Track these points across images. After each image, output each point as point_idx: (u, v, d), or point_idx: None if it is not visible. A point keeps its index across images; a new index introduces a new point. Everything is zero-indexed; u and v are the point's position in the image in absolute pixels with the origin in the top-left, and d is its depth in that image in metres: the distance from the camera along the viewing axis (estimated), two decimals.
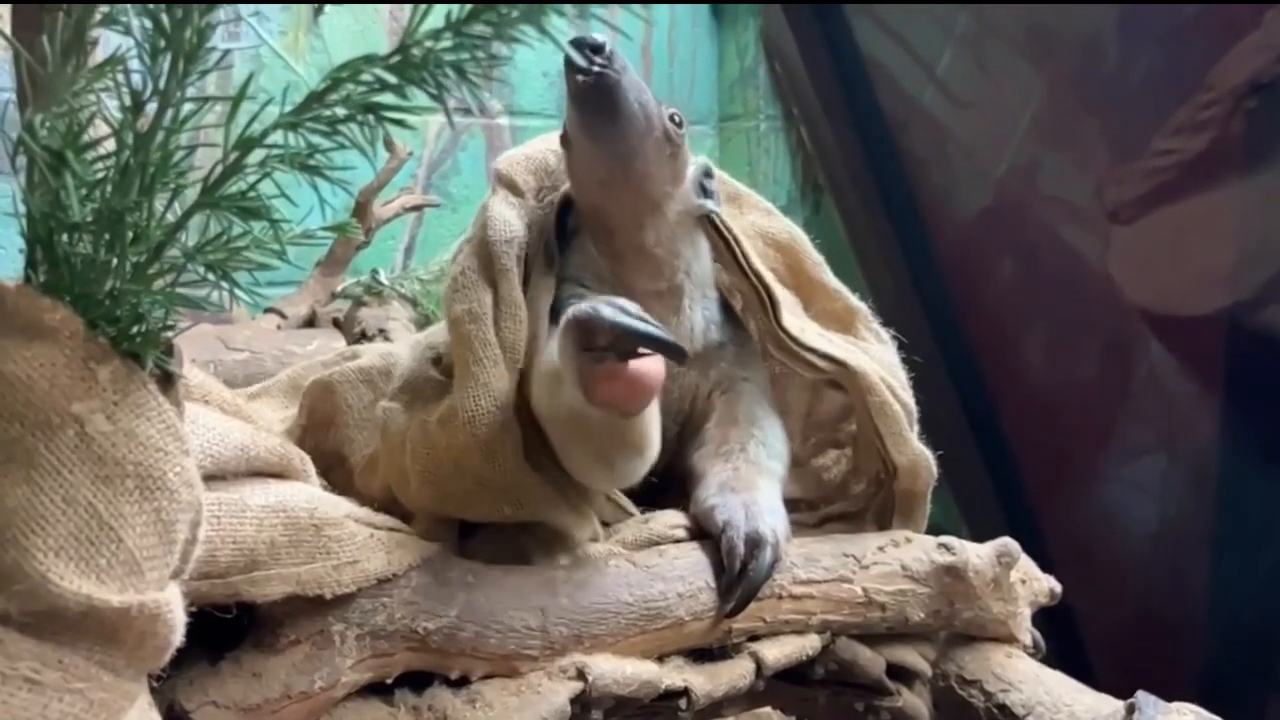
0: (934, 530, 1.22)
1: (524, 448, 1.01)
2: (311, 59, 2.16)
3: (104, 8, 0.62)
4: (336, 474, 1.06)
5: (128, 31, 0.61)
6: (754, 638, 1.08)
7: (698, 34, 2.74)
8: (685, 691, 1.01)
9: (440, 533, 1.03)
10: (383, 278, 2.06)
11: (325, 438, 1.10)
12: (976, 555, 1.13)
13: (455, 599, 0.96)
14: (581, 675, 0.96)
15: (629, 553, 1.07)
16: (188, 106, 0.61)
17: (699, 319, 1.17)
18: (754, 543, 1.05)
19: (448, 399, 1.03)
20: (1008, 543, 1.15)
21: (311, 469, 0.95)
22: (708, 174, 1.15)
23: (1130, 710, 1.00)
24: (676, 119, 1.08)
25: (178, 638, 0.67)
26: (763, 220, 1.24)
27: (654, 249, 1.11)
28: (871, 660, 1.13)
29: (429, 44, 0.57)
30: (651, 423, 1.00)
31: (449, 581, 0.97)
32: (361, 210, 2.01)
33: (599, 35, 0.99)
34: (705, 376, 1.20)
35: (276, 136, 0.60)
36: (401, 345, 1.24)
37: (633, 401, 0.92)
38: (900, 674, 1.15)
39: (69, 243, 0.62)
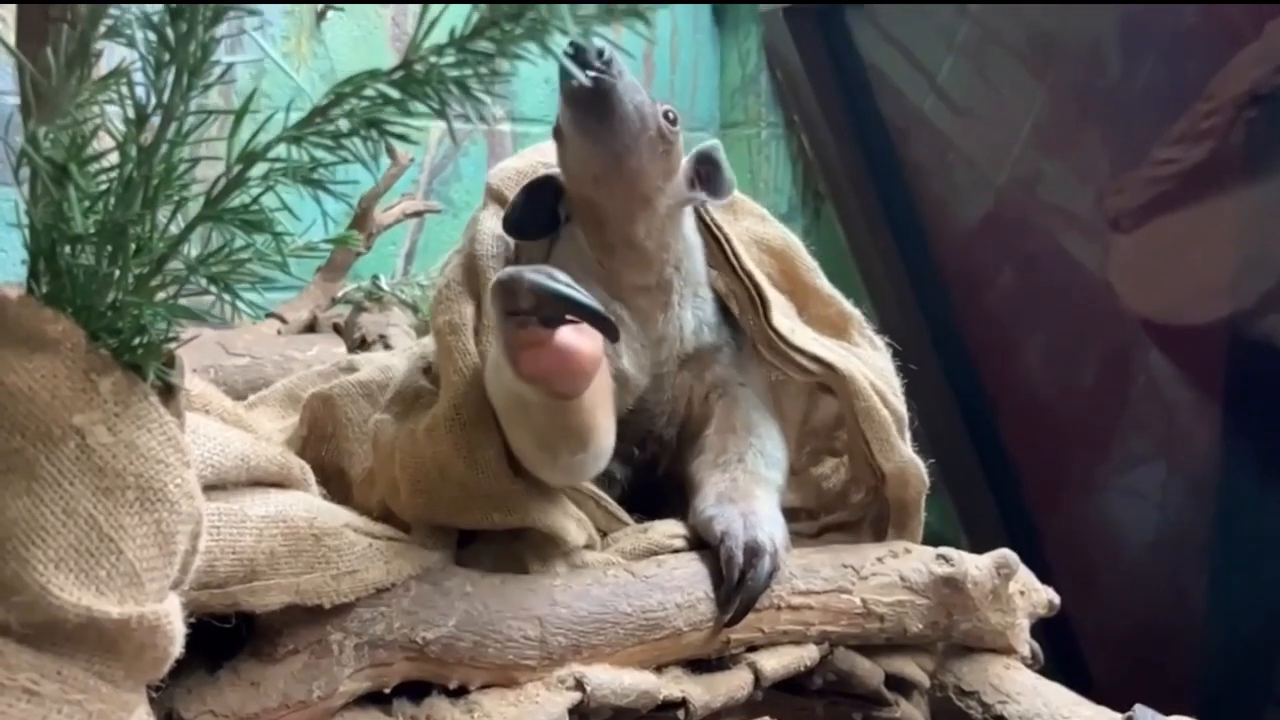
0: (932, 538, 1.22)
1: (509, 455, 1.01)
2: (314, 64, 2.16)
3: (108, 20, 0.62)
4: (335, 486, 1.06)
5: (132, 44, 0.61)
6: (752, 648, 1.08)
7: (699, 40, 2.74)
8: (683, 702, 1.01)
9: (438, 541, 1.03)
10: (383, 283, 2.06)
11: (325, 450, 1.11)
12: (975, 567, 1.13)
13: (454, 608, 0.96)
14: (580, 685, 0.96)
15: (627, 562, 1.08)
16: (191, 119, 0.61)
17: (689, 318, 1.17)
18: (752, 552, 1.05)
19: (433, 408, 1.03)
20: (1006, 554, 1.15)
21: (311, 478, 0.95)
22: (708, 160, 1.14)
23: None
24: (671, 116, 1.09)
25: (177, 649, 0.67)
26: (757, 226, 1.24)
27: (644, 241, 1.11)
28: (870, 671, 1.13)
29: (432, 59, 0.57)
30: (597, 414, 0.98)
31: (447, 591, 0.97)
32: (363, 216, 2.01)
33: (598, 39, 1.00)
34: (700, 379, 1.20)
35: (279, 150, 0.60)
36: (399, 357, 1.25)
37: (563, 377, 0.89)
38: (898, 685, 1.15)
39: (71, 254, 0.62)
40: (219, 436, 0.82)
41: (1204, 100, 2.00)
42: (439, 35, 0.58)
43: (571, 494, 1.10)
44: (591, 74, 0.99)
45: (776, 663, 1.07)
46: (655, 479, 1.23)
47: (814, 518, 1.29)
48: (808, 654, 1.09)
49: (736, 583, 1.04)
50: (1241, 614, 2.13)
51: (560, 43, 0.54)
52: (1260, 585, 2.08)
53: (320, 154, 0.61)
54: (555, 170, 1.13)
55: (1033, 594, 1.22)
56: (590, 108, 1.02)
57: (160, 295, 0.63)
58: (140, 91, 0.62)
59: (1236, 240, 2.05)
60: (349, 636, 0.91)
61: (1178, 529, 2.27)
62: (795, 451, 1.27)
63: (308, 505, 0.89)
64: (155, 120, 0.62)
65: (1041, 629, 1.24)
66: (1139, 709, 1.01)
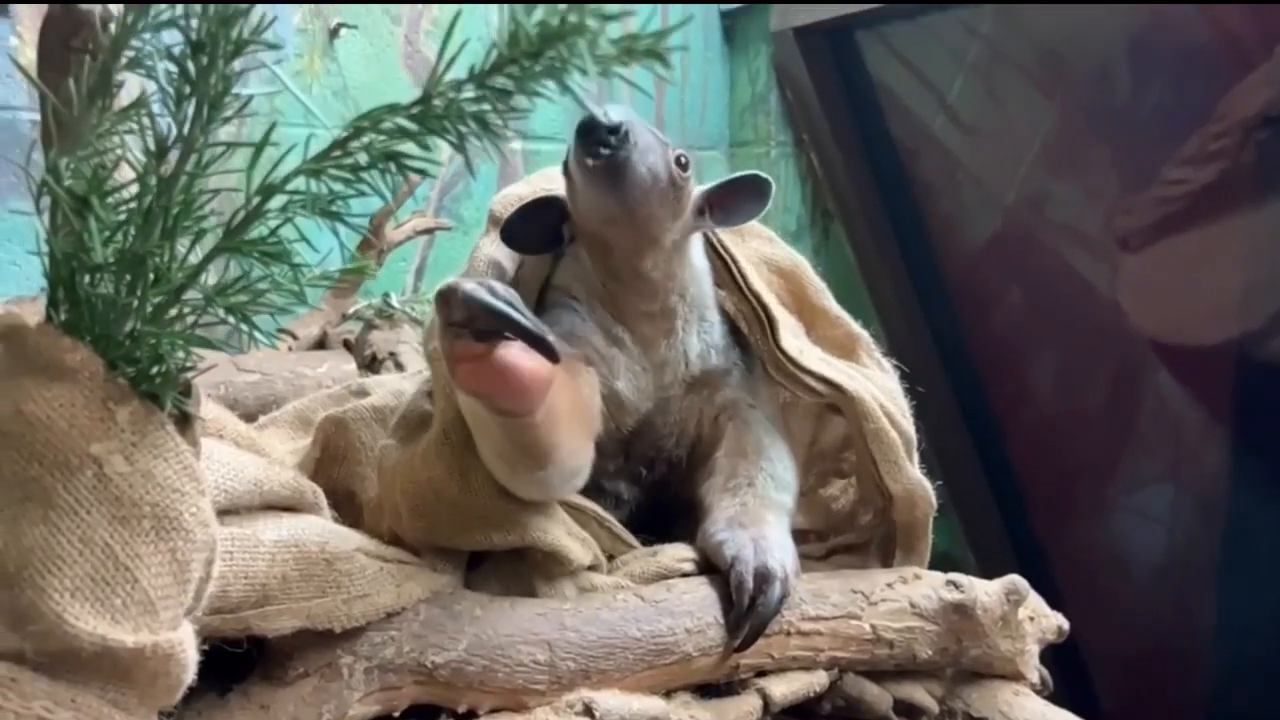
0: (940, 558, 1.22)
1: None
2: (326, 81, 2.18)
3: (129, 52, 0.62)
4: (346, 510, 1.07)
5: (153, 76, 0.62)
6: (761, 674, 1.08)
7: (709, 59, 2.75)
8: None
9: (447, 564, 1.03)
10: (394, 300, 2.06)
11: (337, 473, 1.11)
12: (985, 593, 1.13)
13: (463, 632, 0.96)
14: (588, 710, 0.95)
15: (637, 586, 1.08)
16: (210, 151, 0.61)
17: (694, 342, 1.17)
18: (763, 578, 1.05)
19: (427, 433, 1.04)
20: (1016, 580, 1.15)
21: (323, 501, 0.95)
22: (741, 189, 1.14)
23: None
24: (683, 161, 1.09)
25: (189, 676, 0.68)
26: (765, 247, 1.25)
27: (650, 273, 1.12)
28: (879, 697, 1.12)
29: (451, 94, 0.57)
30: (557, 433, 0.96)
31: (457, 615, 0.97)
32: (374, 232, 2.02)
33: (615, 111, 1.00)
34: (710, 401, 1.20)
35: (298, 182, 0.60)
36: (411, 381, 1.25)
37: (502, 394, 0.88)
38: (907, 711, 1.15)
39: (90, 283, 0.62)
40: (232, 462, 0.82)
41: (1214, 121, 2.01)
42: (457, 67, 0.59)
43: (575, 514, 1.10)
44: (605, 153, 1.00)
45: (786, 688, 1.07)
46: (665, 500, 1.23)
47: (822, 539, 1.29)
48: (817, 680, 1.09)
49: (747, 608, 1.04)
50: (1250, 637, 2.12)
51: (580, 81, 0.54)
52: (1269, 608, 2.07)
53: (338, 187, 0.61)
54: (562, 195, 1.14)
55: (1042, 620, 1.22)
56: (604, 179, 1.04)
57: (178, 325, 0.63)
58: (160, 122, 0.62)
59: (1245, 261, 2.05)
60: (359, 660, 0.91)
61: (1186, 550, 2.26)
62: (803, 473, 1.27)
63: (320, 529, 0.89)
64: (173, 150, 0.62)
65: (1048, 650, 1.24)
66: None
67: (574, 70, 0.53)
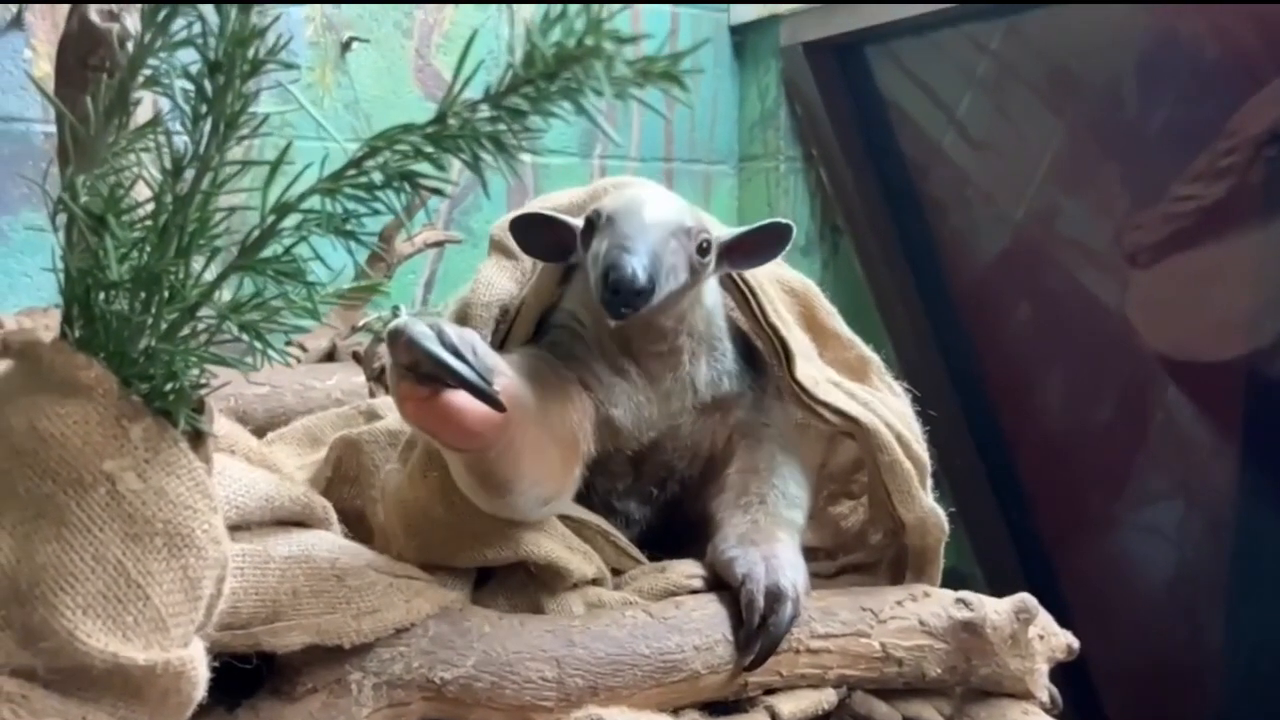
0: (948, 575, 1.21)
1: None
2: (337, 94, 2.18)
3: (146, 70, 0.63)
4: (356, 531, 1.07)
5: (169, 95, 0.62)
6: (770, 691, 1.07)
7: (719, 74, 2.75)
8: None
9: (455, 581, 1.03)
10: (403, 313, 2.06)
11: (348, 492, 1.11)
12: (995, 611, 1.12)
13: (472, 649, 0.96)
14: None
15: (646, 603, 1.07)
16: (226, 169, 0.62)
17: (702, 371, 1.16)
18: (774, 597, 1.04)
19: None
20: (1026, 599, 1.14)
21: (333, 517, 0.95)
22: (779, 232, 1.11)
23: None
24: (705, 246, 1.07)
25: (200, 693, 0.68)
26: (776, 268, 1.24)
27: (663, 322, 1.12)
28: (887, 715, 1.12)
29: (466, 114, 0.58)
30: (519, 465, 0.96)
31: (466, 631, 0.97)
32: (385, 242, 2.02)
33: (640, 268, 0.96)
34: (724, 423, 1.20)
35: (313, 201, 0.61)
36: None
37: (447, 435, 0.89)
38: None
39: (105, 301, 0.62)
40: (244, 478, 0.82)
41: (1223, 138, 2.01)
42: (474, 87, 0.59)
43: (578, 529, 1.10)
44: (627, 311, 0.98)
45: (794, 706, 1.06)
46: (677, 519, 1.22)
47: (832, 557, 1.29)
48: (825, 698, 1.08)
49: (757, 627, 1.04)
50: (1259, 653, 2.11)
51: (595, 102, 0.54)
52: (1279, 624, 2.06)
53: (353, 205, 0.61)
54: (576, 226, 1.11)
55: (1052, 639, 1.21)
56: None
57: (192, 342, 0.63)
58: (176, 140, 0.62)
59: (1255, 278, 2.05)
60: (368, 676, 0.91)
61: (1195, 567, 2.26)
62: (814, 494, 1.27)
63: (330, 544, 0.89)
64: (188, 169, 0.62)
65: (1057, 669, 1.23)
66: None
67: (589, 91, 0.53)
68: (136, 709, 0.63)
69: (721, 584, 1.10)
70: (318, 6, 2.14)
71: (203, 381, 0.65)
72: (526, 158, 2.44)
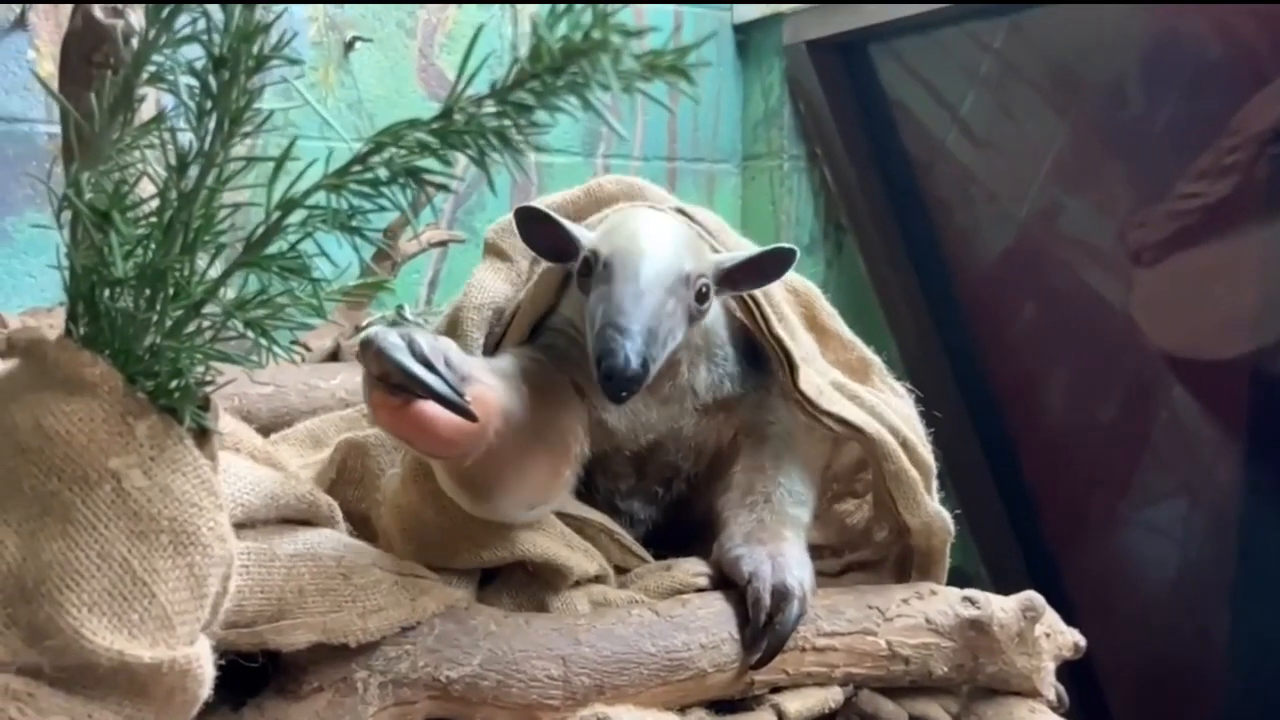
0: (953, 573, 1.21)
1: None
2: (340, 94, 2.18)
3: (151, 67, 0.62)
4: (361, 533, 1.06)
5: (174, 91, 0.62)
6: (776, 689, 1.07)
7: (723, 73, 2.75)
8: None
9: (461, 579, 1.03)
10: (407, 313, 2.06)
11: (352, 494, 1.11)
12: (1001, 609, 1.12)
13: (478, 647, 0.95)
14: None
15: (652, 601, 1.07)
16: (231, 165, 0.61)
17: (702, 377, 1.15)
18: (781, 595, 1.04)
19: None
20: (1032, 597, 1.14)
21: (339, 515, 0.95)
22: (782, 255, 1.08)
23: None
24: (704, 290, 1.05)
25: (205, 691, 0.67)
26: None
27: None
28: (894, 713, 1.12)
29: (472, 110, 0.57)
30: (497, 473, 0.96)
31: (472, 630, 0.97)
32: (390, 238, 2.01)
33: (634, 354, 0.94)
34: (728, 423, 1.19)
35: (318, 197, 0.60)
36: None
37: (420, 444, 0.89)
38: None
39: (110, 298, 0.62)
40: (249, 475, 0.82)
41: (1228, 136, 2.00)
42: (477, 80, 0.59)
43: (580, 528, 1.10)
44: (625, 396, 0.96)
45: (800, 704, 1.06)
46: (683, 518, 1.22)
47: (837, 554, 1.28)
48: (832, 696, 1.08)
49: (763, 625, 1.03)
50: (1265, 652, 2.11)
51: (601, 96, 0.54)
52: None
53: (358, 201, 0.61)
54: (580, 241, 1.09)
55: (1058, 636, 1.21)
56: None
57: (197, 339, 0.63)
58: (180, 137, 0.62)
59: (1260, 276, 2.05)
60: (373, 674, 0.91)
61: (1200, 566, 2.25)
62: (819, 492, 1.26)
63: (336, 543, 0.89)
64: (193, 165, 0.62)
65: (1062, 667, 1.23)
66: None
67: (596, 86, 0.53)
68: (142, 707, 0.63)
69: (727, 582, 1.10)
70: (320, 6, 2.14)
71: (208, 379, 0.65)
72: (530, 156, 2.44)
